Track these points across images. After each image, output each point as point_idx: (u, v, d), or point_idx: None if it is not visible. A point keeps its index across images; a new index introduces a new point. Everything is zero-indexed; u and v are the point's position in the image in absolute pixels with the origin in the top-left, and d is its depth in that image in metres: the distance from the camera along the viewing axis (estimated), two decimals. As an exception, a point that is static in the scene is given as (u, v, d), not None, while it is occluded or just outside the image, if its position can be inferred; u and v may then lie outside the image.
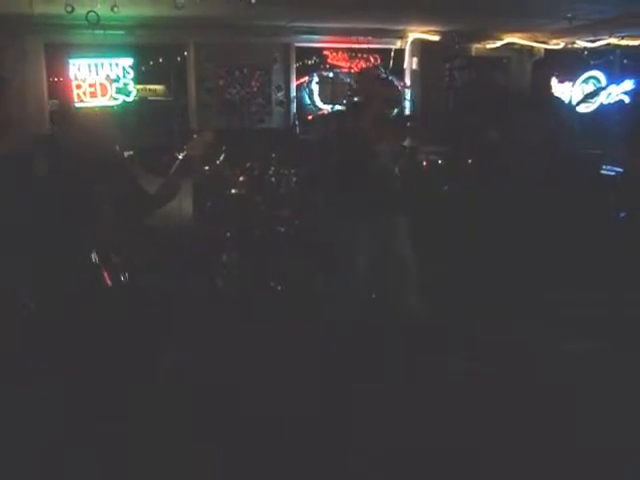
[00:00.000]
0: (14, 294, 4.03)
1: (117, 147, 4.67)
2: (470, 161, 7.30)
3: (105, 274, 3.61)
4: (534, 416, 3.65)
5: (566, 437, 3.47)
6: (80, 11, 4.39)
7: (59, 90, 7.86)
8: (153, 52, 8.46)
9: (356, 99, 5.02)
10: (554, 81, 10.11)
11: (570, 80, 10.26)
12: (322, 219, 5.61)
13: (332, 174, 4.74)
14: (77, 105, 7.84)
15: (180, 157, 4.59)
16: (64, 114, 7.48)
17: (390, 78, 9.59)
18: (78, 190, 4.02)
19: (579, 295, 5.30)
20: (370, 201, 4.41)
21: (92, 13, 4.20)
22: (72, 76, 7.80)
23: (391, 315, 4.65)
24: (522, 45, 9.96)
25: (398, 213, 4.61)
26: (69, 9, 4.40)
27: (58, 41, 7.72)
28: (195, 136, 5.38)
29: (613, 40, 9.38)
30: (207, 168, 6.53)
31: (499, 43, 9.80)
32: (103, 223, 3.95)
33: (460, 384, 4.02)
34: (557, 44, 9.98)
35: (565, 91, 10.20)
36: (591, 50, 9.88)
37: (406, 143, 6.51)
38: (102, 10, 4.42)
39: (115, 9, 4.68)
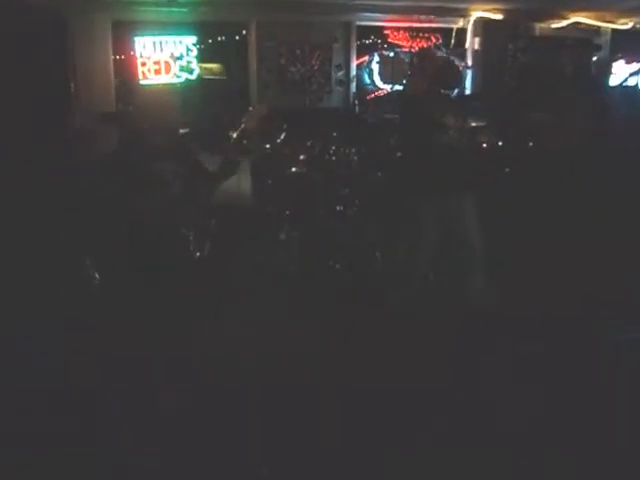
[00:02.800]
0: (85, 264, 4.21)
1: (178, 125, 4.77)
2: (531, 144, 7.20)
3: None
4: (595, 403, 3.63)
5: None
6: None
7: (125, 68, 8.00)
8: (213, 30, 8.52)
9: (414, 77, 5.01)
10: (621, 62, 9.85)
11: (638, 61, 9.96)
12: (383, 198, 5.65)
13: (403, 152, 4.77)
14: (142, 83, 8.01)
15: (237, 131, 4.69)
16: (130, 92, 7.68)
17: (451, 58, 9.53)
18: (144, 167, 4.14)
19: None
20: (437, 180, 4.42)
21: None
22: (137, 54, 7.95)
23: (455, 297, 4.67)
24: (588, 25, 9.68)
25: (466, 192, 4.60)
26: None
27: (124, 19, 7.84)
28: (251, 109, 5.46)
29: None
30: (268, 146, 6.61)
31: (564, 22, 9.52)
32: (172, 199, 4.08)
33: (525, 367, 4.01)
34: (625, 24, 9.67)
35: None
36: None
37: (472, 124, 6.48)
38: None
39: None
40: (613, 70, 9.88)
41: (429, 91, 4.57)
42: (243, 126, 4.66)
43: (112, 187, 4.04)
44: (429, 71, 4.73)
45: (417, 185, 4.55)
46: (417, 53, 9.08)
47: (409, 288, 4.70)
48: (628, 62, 9.92)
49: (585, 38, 8.50)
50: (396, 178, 4.92)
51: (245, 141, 5.00)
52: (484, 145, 7.34)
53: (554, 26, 9.64)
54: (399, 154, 6.07)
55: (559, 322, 4.56)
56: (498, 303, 4.60)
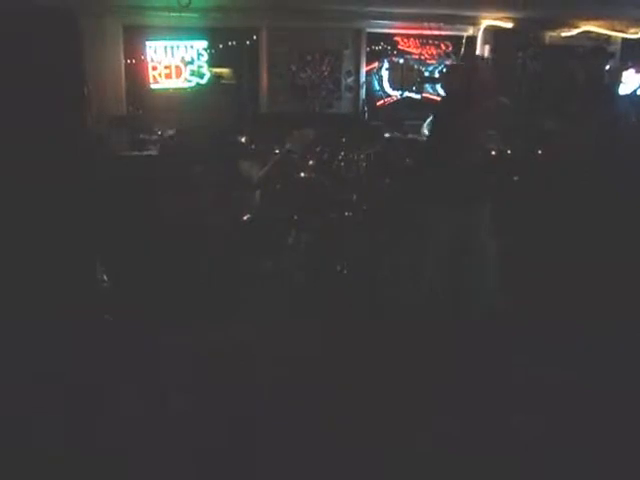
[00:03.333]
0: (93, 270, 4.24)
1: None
2: (540, 152, 7.18)
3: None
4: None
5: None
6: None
7: (136, 72, 8.05)
8: (223, 35, 8.57)
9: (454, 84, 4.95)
10: (631, 71, 9.83)
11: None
12: (392, 204, 5.66)
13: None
14: (153, 87, 8.06)
15: (282, 150, 4.76)
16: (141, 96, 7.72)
17: (461, 65, 9.54)
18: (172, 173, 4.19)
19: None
20: (461, 188, 4.42)
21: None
22: (149, 58, 8.00)
23: (460, 305, 4.66)
24: (598, 34, 9.68)
25: (483, 202, 4.60)
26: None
27: (136, 23, 7.89)
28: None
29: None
30: (277, 151, 6.63)
31: (575, 31, 9.53)
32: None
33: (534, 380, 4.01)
34: (635, 33, 9.67)
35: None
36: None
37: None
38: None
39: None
40: (623, 79, 9.87)
41: (472, 100, 4.53)
42: (289, 147, 4.74)
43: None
44: (473, 78, 4.69)
45: (435, 194, 4.55)
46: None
47: (416, 294, 4.70)
48: (638, 71, 9.90)
49: (599, 46, 8.49)
50: (412, 186, 4.92)
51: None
52: (493, 153, 7.35)
53: (564, 35, 9.65)
54: (408, 160, 6.10)
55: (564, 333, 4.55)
56: (502, 312, 4.60)
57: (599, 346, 4.34)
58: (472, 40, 9.51)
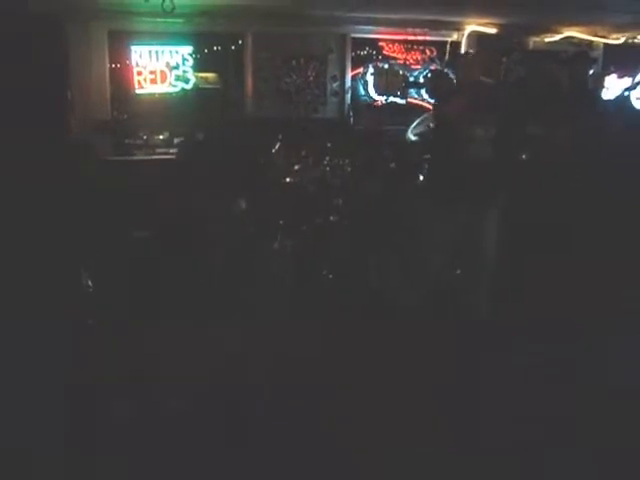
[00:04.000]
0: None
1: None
2: (524, 157, 7.22)
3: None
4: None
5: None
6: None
7: (120, 76, 8.02)
8: (208, 40, 8.57)
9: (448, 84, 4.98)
10: (613, 77, 9.92)
11: (630, 76, 10.04)
12: (379, 208, 5.68)
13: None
14: (138, 92, 8.03)
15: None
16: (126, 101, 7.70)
17: (446, 70, 9.61)
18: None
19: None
20: (462, 189, 4.44)
21: (168, 1, 4.32)
22: (133, 63, 7.98)
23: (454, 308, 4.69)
24: (581, 39, 9.77)
25: (488, 203, 4.61)
26: (148, -3, 4.53)
27: (121, 28, 7.86)
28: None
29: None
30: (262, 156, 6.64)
31: (558, 37, 9.63)
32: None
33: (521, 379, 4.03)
34: (617, 39, 9.77)
35: (624, 87, 9.99)
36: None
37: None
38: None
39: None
40: (606, 84, 9.96)
41: (465, 98, 4.55)
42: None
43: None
44: (467, 76, 4.72)
45: (439, 195, 4.58)
46: (455, 58, 9.09)
47: (416, 295, 4.72)
48: (620, 76, 10.00)
49: (582, 51, 8.57)
50: (416, 188, 4.94)
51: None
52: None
53: (547, 40, 9.75)
54: (393, 165, 6.13)
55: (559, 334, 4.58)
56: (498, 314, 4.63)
57: (597, 347, 4.39)
58: (456, 45, 9.57)
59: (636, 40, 9.65)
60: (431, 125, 6.35)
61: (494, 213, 4.66)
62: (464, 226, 4.58)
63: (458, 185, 4.45)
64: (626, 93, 9.57)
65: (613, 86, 9.83)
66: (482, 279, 4.67)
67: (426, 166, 6.20)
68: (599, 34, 9.68)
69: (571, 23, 9.21)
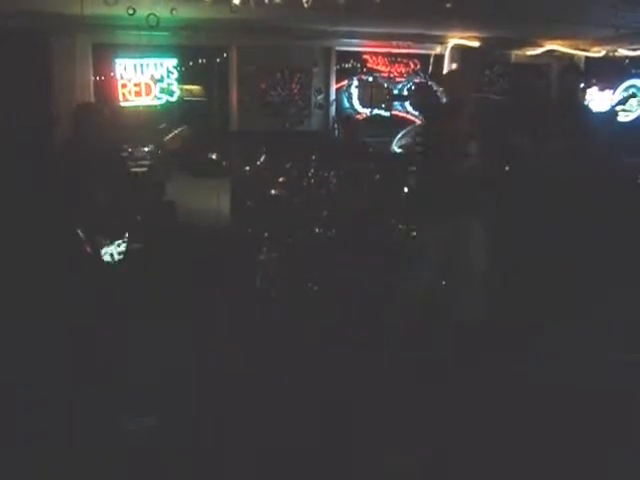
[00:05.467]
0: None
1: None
2: (507, 168, 7.27)
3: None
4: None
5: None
6: (140, 13, 4.52)
7: (105, 89, 8.03)
8: (193, 53, 8.61)
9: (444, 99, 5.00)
10: (594, 89, 10.05)
11: (610, 88, 10.18)
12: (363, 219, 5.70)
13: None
14: (122, 104, 8.04)
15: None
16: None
17: (429, 83, 9.70)
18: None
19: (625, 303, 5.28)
20: (455, 201, 4.47)
21: (152, 16, 4.34)
22: (118, 75, 7.99)
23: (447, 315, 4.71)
24: (563, 52, 9.90)
25: (476, 214, 4.65)
26: (131, 11, 4.54)
27: (105, 41, 7.89)
28: (175, 131, 5.76)
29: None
30: (247, 168, 6.66)
31: (539, 50, 9.75)
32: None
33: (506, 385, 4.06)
34: (598, 52, 9.89)
35: (605, 99, 10.13)
36: (633, 59, 9.78)
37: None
38: (161, 12, 4.55)
39: (174, 12, 4.82)
40: (587, 97, 10.09)
41: (462, 113, 4.60)
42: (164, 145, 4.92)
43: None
44: (462, 91, 4.76)
45: (427, 205, 4.62)
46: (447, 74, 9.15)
47: (407, 305, 4.73)
48: (601, 89, 10.14)
49: (571, 64, 8.66)
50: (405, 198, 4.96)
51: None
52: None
53: (529, 53, 9.87)
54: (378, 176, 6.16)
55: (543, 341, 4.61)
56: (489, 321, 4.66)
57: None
58: (440, 58, 9.66)
59: (617, 53, 9.78)
60: (418, 139, 6.41)
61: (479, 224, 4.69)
62: (453, 237, 4.61)
63: (447, 197, 4.49)
64: (617, 107, 9.75)
65: (595, 98, 9.97)
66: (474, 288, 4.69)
67: (412, 178, 6.26)
68: (580, 47, 9.80)
69: (552, 37, 9.33)
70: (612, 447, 3.44)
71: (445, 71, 9.57)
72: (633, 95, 10.08)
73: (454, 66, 9.57)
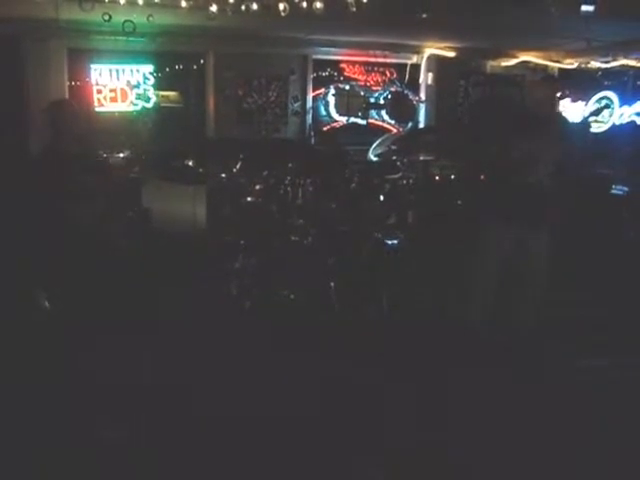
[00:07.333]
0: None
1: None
2: (483, 177, 7.34)
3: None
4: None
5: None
6: (116, 19, 4.50)
7: (80, 95, 7.96)
8: (170, 59, 8.57)
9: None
10: (567, 100, 10.19)
11: (583, 100, 10.34)
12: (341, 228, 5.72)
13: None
14: (98, 110, 7.99)
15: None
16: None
17: (405, 92, 9.77)
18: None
19: (592, 311, 5.36)
20: (517, 210, 4.49)
21: (128, 22, 4.32)
22: (93, 81, 7.93)
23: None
24: (536, 64, 10.04)
25: (540, 226, 4.66)
26: (107, 17, 4.53)
27: (81, 46, 7.83)
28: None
29: (627, 61, 9.47)
30: (223, 175, 6.63)
31: (514, 61, 9.90)
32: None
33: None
34: (571, 63, 10.05)
35: (577, 110, 10.30)
36: (605, 71, 9.95)
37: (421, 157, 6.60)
38: (137, 19, 4.54)
39: (150, 18, 4.81)
40: (560, 107, 10.23)
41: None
42: None
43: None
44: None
45: (489, 214, 4.64)
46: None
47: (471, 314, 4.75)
48: (574, 100, 10.30)
49: (550, 75, 8.76)
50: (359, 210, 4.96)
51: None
52: (436, 178, 7.48)
53: (504, 64, 10.00)
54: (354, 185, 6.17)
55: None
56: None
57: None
58: (416, 67, 9.75)
59: (589, 65, 9.94)
60: (393, 147, 6.45)
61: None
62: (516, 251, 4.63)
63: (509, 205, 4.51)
64: (590, 118, 9.90)
65: (567, 109, 10.12)
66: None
67: (387, 186, 6.28)
68: (554, 59, 9.95)
69: (526, 48, 9.46)
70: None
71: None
72: (606, 106, 10.27)
73: (430, 75, 9.68)
